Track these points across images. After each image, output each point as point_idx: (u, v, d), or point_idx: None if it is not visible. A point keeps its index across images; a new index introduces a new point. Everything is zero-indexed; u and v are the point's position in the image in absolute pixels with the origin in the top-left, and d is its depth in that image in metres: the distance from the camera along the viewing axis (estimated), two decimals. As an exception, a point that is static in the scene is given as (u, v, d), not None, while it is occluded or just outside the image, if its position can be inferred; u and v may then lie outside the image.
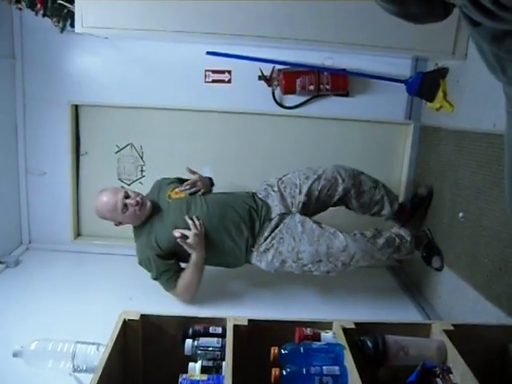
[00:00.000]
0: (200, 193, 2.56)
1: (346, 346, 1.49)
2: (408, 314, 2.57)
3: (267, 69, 2.92)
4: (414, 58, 2.93)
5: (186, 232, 2.36)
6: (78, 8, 2.37)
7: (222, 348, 1.54)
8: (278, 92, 2.96)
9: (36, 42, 2.90)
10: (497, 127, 2.13)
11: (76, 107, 3.07)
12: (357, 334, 1.57)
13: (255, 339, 1.58)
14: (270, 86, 2.94)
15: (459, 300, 2.38)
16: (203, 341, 1.57)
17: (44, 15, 2.54)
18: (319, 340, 1.55)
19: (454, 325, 1.63)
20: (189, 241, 2.34)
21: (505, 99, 0.93)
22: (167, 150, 3.09)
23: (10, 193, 3.06)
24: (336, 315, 1.70)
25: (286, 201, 2.56)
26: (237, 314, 1.68)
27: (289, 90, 2.91)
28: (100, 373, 1.35)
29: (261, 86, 2.95)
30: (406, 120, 3.06)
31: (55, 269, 2.90)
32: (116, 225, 2.52)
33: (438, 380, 1.42)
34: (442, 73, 2.69)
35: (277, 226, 2.47)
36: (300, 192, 2.56)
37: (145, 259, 2.44)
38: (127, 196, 2.45)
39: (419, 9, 0.81)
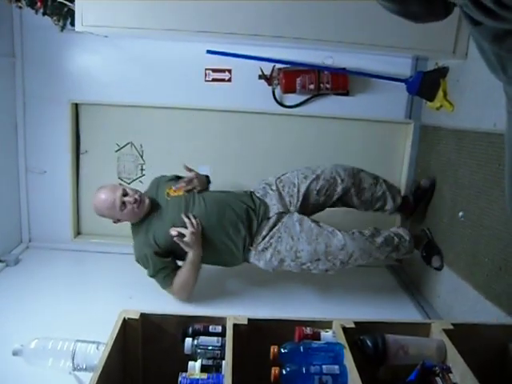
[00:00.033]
0: (195, 190, 2.56)
1: (346, 345, 1.49)
2: (408, 313, 2.57)
3: (267, 68, 2.92)
4: (415, 57, 2.93)
5: (182, 230, 2.36)
6: (78, 6, 2.37)
7: (222, 347, 1.54)
8: (278, 91, 2.96)
9: (36, 40, 2.89)
10: (497, 126, 2.13)
11: (76, 106, 3.07)
12: (356, 334, 1.57)
13: (255, 338, 1.58)
14: (270, 84, 2.94)
15: (459, 299, 2.38)
16: (203, 340, 1.57)
17: (44, 14, 2.54)
18: (319, 339, 1.55)
19: (453, 324, 1.63)
20: (185, 239, 2.34)
21: (505, 98, 0.93)
22: (167, 148, 3.09)
23: (10, 191, 3.06)
24: (336, 314, 1.71)
25: (284, 200, 2.56)
26: (236, 312, 1.68)
27: (289, 88, 2.91)
28: (100, 371, 1.35)
29: (261, 85, 2.95)
30: (406, 119, 3.06)
31: (55, 267, 2.90)
32: (114, 222, 2.52)
33: (438, 379, 1.42)
34: (442, 72, 2.69)
35: (275, 225, 2.47)
36: (298, 191, 2.56)
37: (142, 256, 2.44)
38: (125, 194, 2.44)
39: (420, 8, 0.81)
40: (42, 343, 1.72)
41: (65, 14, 2.56)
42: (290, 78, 2.88)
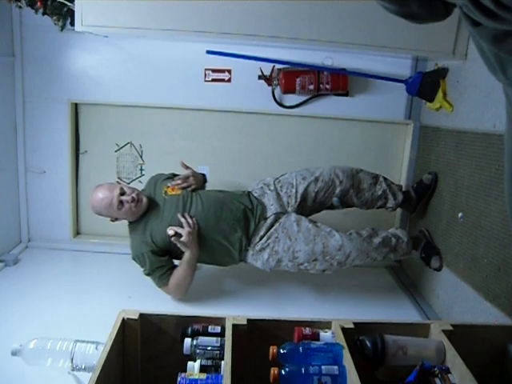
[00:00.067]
0: (190, 189, 2.55)
1: (345, 346, 1.50)
2: (407, 313, 2.57)
3: (267, 68, 2.92)
4: (414, 57, 2.93)
5: (179, 230, 2.36)
6: (78, 6, 2.37)
7: (221, 347, 1.54)
8: (277, 91, 2.96)
9: (36, 40, 2.89)
10: (497, 127, 2.13)
11: (76, 106, 3.06)
12: (356, 334, 1.57)
13: (254, 338, 1.59)
14: (269, 85, 2.94)
15: (458, 300, 2.38)
16: (202, 340, 1.57)
17: (44, 13, 2.54)
18: (318, 340, 1.55)
19: (452, 325, 1.63)
20: (182, 239, 2.34)
21: (505, 99, 0.93)
22: (166, 148, 3.09)
23: (10, 191, 3.06)
24: (335, 315, 1.71)
25: (282, 200, 2.56)
26: (235, 312, 1.68)
27: (288, 89, 2.91)
28: (99, 371, 1.35)
29: (261, 86, 2.95)
30: (406, 120, 3.06)
31: (54, 267, 2.89)
32: (112, 220, 2.52)
33: (437, 380, 1.42)
34: (441, 73, 2.69)
35: (272, 226, 2.47)
36: (296, 192, 2.56)
37: (139, 255, 2.44)
38: (123, 192, 2.44)
39: (420, 8, 0.81)
40: (41, 343, 1.72)
41: (65, 14, 2.56)
42: (290, 79, 2.88)
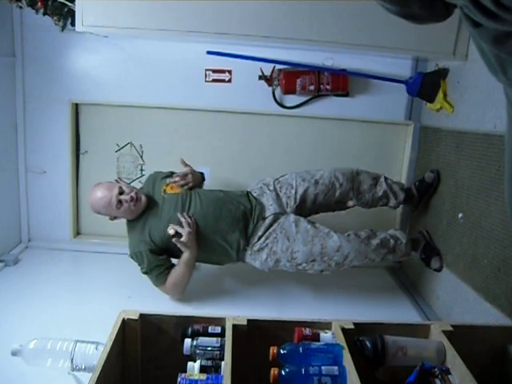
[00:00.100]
0: (187, 187, 2.55)
1: (345, 347, 1.50)
2: (407, 314, 2.57)
3: (267, 68, 2.92)
4: (415, 58, 2.93)
5: (179, 229, 2.35)
6: (79, 7, 2.37)
7: (221, 347, 1.54)
8: (278, 92, 2.96)
9: (36, 40, 2.89)
10: (497, 128, 2.13)
11: (76, 106, 3.06)
12: (356, 335, 1.57)
13: (254, 339, 1.58)
14: (270, 85, 2.94)
15: (458, 301, 2.38)
16: (202, 340, 1.57)
17: (44, 14, 2.54)
18: (318, 340, 1.55)
19: (452, 325, 1.63)
20: (183, 239, 2.34)
21: (505, 100, 0.93)
22: (167, 149, 3.09)
23: (10, 191, 3.06)
24: (335, 315, 1.71)
25: (281, 200, 2.56)
26: (235, 313, 1.68)
27: (289, 89, 2.91)
28: (99, 372, 1.35)
29: (261, 86, 2.95)
30: (406, 120, 3.06)
31: (54, 267, 2.89)
32: (111, 219, 2.52)
33: (437, 381, 1.42)
34: (442, 73, 2.69)
35: (271, 226, 2.47)
36: (296, 192, 2.57)
37: (137, 253, 2.44)
38: (121, 192, 2.44)
39: (420, 9, 0.81)
40: (41, 343, 1.72)
41: (65, 14, 2.56)
42: (290, 79, 2.88)
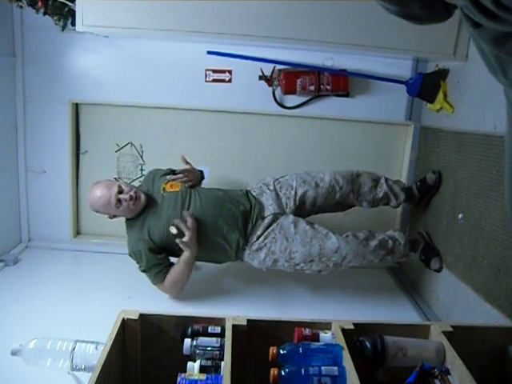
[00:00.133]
0: (187, 184, 2.55)
1: (345, 347, 1.49)
2: (407, 314, 2.57)
3: (268, 69, 2.92)
4: (415, 58, 2.93)
5: (183, 228, 2.35)
6: (79, 6, 2.37)
7: (221, 348, 1.54)
8: (278, 92, 2.96)
9: (37, 40, 2.89)
10: (497, 129, 2.13)
11: (76, 105, 3.06)
12: (355, 335, 1.57)
13: (254, 339, 1.58)
14: (270, 85, 2.94)
15: (458, 301, 2.38)
16: (202, 340, 1.57)
17: (45, 13, 2.54)
18: (318, 340, 1.55)
19: (452, 326, 1.63)
20: (185, 239, 2.34)
21: (505, 101, 0.93)
22: (167, 149, 3.09)
23: (10, 191, 3.06)
24: (335, 315, 1.70)
25: (281, 201, 2.56)
26: (235, 313, 1.68)
27: (289, 90, 2.91)
28: (98, 372, 1.35)
29: (261, 86, 2.95)
30: (406, 121, 3.06)
31: (54, 267, 2.89)
32: (110, 217, 2.52)
33: (437, 381, 1.42)
34: (442, 74, 2.69)
35: (270, 226, 2.48)
36: (295, 194, 2.57)
37: (136, 251, 2.44)
38: (121, 190, 2.44)
39: (421, 9, 0.81)
40: (41, 343, 1.72)
41: (65, 14, 2.56)
42: (291, 79, 2.88)
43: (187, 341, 1.57)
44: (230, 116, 3.06)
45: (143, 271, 2.45)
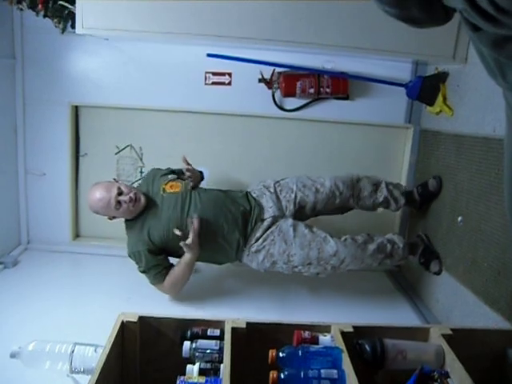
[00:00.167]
0: (191, 184, 2.55)
1: (344, 350, 1.49)
2: (406, 317, 2.56)
3: (267, 71, 2.92)
4: (414, 61, 2.93)
5: (191, 233, 2.35)
6: (79, 9, 2.37)
7: (220, 350, 1.54)
8: (278, 95, 2.96)
9: (36, 42, 2.89)
10: (497, 132, 2.13)
11: (76, 108, 3.06)
12: (355, 338, 1.56)
13: (253, 342, 1.58)
14: (270, 88, 2.95)
15: (458, 304, 2.38)
16: (201, 343, 1.57)
17: (45, 16, 2.54)
18: (317, 343, 1.55)
19: (452, 329, 1.63)
20: (188, 241, 2.35)
21: (505, 104, 0.93)
22: (167, 151, 3.09)
23: (9, 193, 3.06)
24: (334, 318, 1.70)
25: (281, 203, 2.57)
26: (235, 315, 1.68)
27: (289, 92, 2.92)
28: (97, 374, 1.34)
29: (261, 89, 2.96)
30: (406, 124, 3.06)
31: (53, 269, 2.89)
32: (109, 219, 2.52)
33: (436, 384, 1.41)
34: (442, 77, 2.70)
35: (269, 228, 2.48)
36: (295, 197, 2.57)
37: (135, 252, 2.44)
38: (120, 192, 2.43)
39: (420, 13, 0.81)
40: (40, 345, 1.71)
41: (65, 17, 2.57)
42: (290, 82, 2.89)
43: (186, 343, 1.56)
44: (229, 119, 3.06)
45: (142, 272, 2.45)
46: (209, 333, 1.61)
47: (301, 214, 2.59)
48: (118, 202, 2.41)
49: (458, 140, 2.50)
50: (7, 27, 2.85)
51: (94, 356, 1.63)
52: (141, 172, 3.15)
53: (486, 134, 2.22)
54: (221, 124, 3.08)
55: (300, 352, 1.48)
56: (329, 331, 1.62)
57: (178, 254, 2.45)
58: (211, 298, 2.59)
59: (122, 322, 1.61)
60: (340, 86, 2.92)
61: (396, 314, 2.62)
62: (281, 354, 1.47)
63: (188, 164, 2.65)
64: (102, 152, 3.13)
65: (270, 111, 3.00)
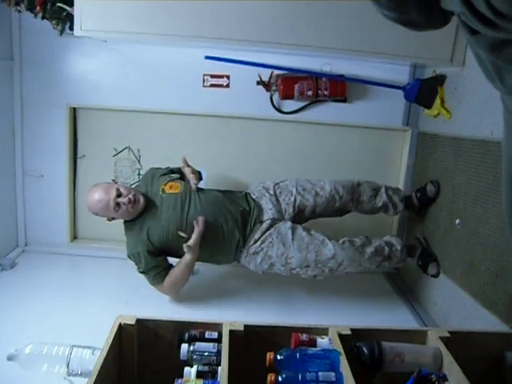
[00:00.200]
0: (195, 186, 2.56)
1: (342, 352, 1.49)
2: (404, 320, 2.57)
3: (265, 74, 2.92)
4: (412, 64, 2.94)
5: (195, 233, 2.37)
6: (77, 11, 2.37)
7: (218, 353, 1.54)
8: (276, 97, 2.97)
9: (35, 44, 2.89)
10: (494, 135, 2.14)
11: (74, 110, 3.06)
12: (353, 340, 1.56)
13: (251, 344, 1.58)
14: (268, 91, 2.95)
15: (455, 307, 2.38)
16: (199, 346, 1.57)
17: (43, 18, 2.54)
18: (315, 346, 1.55)
19: (450, 332, 1.63)
20: (190, 242, 2.35)
21: (502, 107, 0.93)
22: (164, 154, 3.08)
23: (7, 195, 3.06)
24: (332, 321, 1.70)
25: (281, 206, 2.57)
26: (233, 318, 1.68)
27: (287, 95, 2.92)
28: (95, 377, 1.34)
29: (259, 91, 2.96)
30: (404, 126, 3.06)
31: (51, 272, 2.89)
32: (109, 220, 2.52)
33: (434, 387, 1.41)
34: (439, 80, 2.70)
35: (267, 230, 2.48)
36: (294, 201, 2.58)
37: (135, 254, 2.44)
38: (119, 194, 2.43)
39: (418, 16, 0.81)
40: (37, 348, 1.71)
41: (64, 19, 2.57)
42: (288, 85, 2.89)
43: (184, 346, 1.56)
44: (227, 121, 3.06)
45: (142, 272, 2.45)
46: (206, 335, 1.61)
47: (300, 216, 2.60)
48: (117, 204, 2.41)
49: (455, 143, 2.51)
50: (5, 29, 2.85)
51: (92, 359, 1.62)
52: (139, 174, 3.15)
53: (484, 137, 2.22)
54: (219, 126, 3.08)
55: (298, 354, 1.48)
56: (327, 334, 1.61)
57: (178, 255, 2.46)
58: (209, 300, 2.59)
59: (120, 325, 1.61)
60: (338, 88, 2.93)
61: (394, 317, 2.62)
62: (279, 357, 1.47)
63: (188, 166, 2.66)
64: (100, 154, 3.13)
65: (268, 113, 3.00)
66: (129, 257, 2.48)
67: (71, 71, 2.98)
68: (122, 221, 2.54)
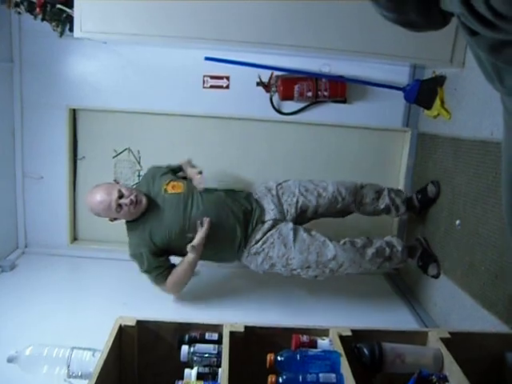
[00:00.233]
0: (202, 187, 2.56)
1: (343, 354, 1.49)
2: (404, 321, 2.56)
3: (265, 75, 2.92)
4: (412, 65, 2.94)
5: (199, 234, 2.38)
6: (77, 13, 2.37)
7: (218, 354, 1.53)
8: (276, 98, 2.97)
9: (34, 46, 2.89)
10: (494, 135, 2.14)
11: (74, 111, 3.06)
12: (353, 342, 1.56)
13: (251, 346, 1.58)
14: (268, 92, 2.95)
15: (455, 307, 2.38)
16: (199, 347, 1.56)
17: (43, 19, 2.54)
18: (316, 347, 1.55)
19: (450, 332, 1.63)
20: (194, 242, 2.36)
21: (502, 108, 0.93)
22: (164, 155, 3.08)
23: (7, 196, 3.05)
24: (332, 322, 1.70)
25: (283, 207, 2.57)
26: (233, 318, 1.67)
27: (287, 96, 2.92)
28: (95, 379, 1.34)
29: (259, 92, 2.96)
30: (404, 127, 3.07)
31: (51, 273, 2.89)
32: (111, 220, 2.52)
33: (435, 388, 1.41)
34: (439, 80, 2.70)
35: (269, 230, 2.49)
36: (297, 202, 2.58)
37: (137, 254, 2.45)
38: (121, 195, 2.42)
39: (418, 17, 0.81)
40: (38, 350, 1.70)
41: (64, 20, 2.56)
42: (288, 86, 2.89)
43: (184, 347, 1.56)
44: (227, 122, 3.06)
45: (144, 272, 2.46)
46: (207, 337, 1.61)
47: (302, 217, 2.60)
48: (119, 205, 2.41)
49: (455, 143, 2.51)
50: (5, 30, 2.86)
51: (92, 360, 1.62)
52: (139, 175, 3.15)
53: (484, 138, 2.22)
54: (219, 127, 3.08)
55: (298, 356, 1.47)
56: (327, 335, 1.61)
57: (181, 254, 2.46)
58: (210, 301, 2.59)
59: (120, 326, 1.61)
60: (338, 89, 2.93)
61: (394, 318, 2.62)
62: (279, 358, 1.47)
63: (192, 166, 2.66)
64: (100, 155, 3.13)
65: (268, 115, 3.00)
66: (131, 257, 2.48)
67: (71, 73, 2.98)
68: (123, 222, 2.54)
